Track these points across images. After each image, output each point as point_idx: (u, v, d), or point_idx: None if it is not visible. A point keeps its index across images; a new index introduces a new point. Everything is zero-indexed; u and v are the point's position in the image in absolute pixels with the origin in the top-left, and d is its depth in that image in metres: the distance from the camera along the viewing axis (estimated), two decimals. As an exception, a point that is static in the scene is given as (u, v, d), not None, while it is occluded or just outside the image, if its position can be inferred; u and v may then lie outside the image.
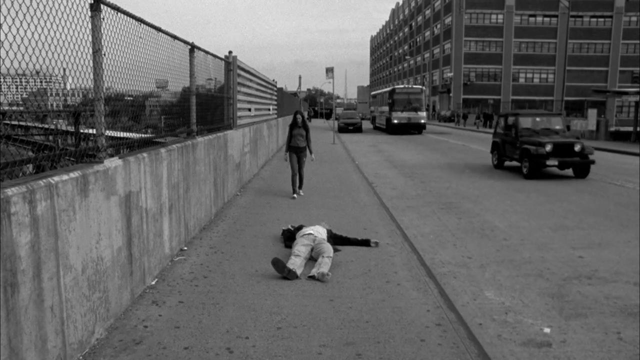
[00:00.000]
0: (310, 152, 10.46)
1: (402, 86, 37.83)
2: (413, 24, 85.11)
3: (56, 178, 3.30)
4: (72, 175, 3.50)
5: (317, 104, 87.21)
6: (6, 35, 2.88)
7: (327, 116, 61.88)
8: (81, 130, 5.31)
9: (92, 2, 3.95)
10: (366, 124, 50.21)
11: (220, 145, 8.66)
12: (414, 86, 38.01)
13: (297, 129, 10.11)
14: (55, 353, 3.24)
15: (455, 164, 17.09)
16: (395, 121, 34.56)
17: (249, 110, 12.52)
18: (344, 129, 38.66)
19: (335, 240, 6.46)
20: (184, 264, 5.72)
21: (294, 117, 10.19)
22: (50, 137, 8.22)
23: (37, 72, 4.29)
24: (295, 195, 10.04)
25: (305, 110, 56.03)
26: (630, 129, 26.85)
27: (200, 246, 6.48)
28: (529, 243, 6.94)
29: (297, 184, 10.27)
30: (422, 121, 35.24)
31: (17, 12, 2.97)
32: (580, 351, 3.82)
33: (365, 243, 6.55)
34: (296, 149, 10.18)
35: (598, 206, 9.58)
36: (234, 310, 4.45)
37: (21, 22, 3.00)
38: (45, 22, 3.29)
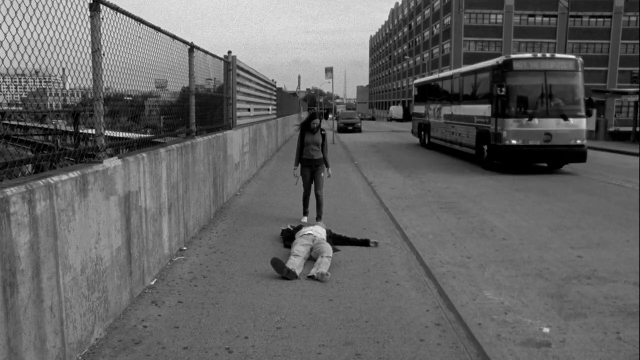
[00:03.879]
0: (327, 166, 7.95)
1: (527, 56, 14.96)
2: (412, 24, 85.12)
3: (56, 178, 3.30)
4: (71, 175, 3.50)
5: (316, 104, 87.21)
6: (5, 35, 2.88)
7: (326, 116, 61.50)
8: (80, 131, 5.32)
9: (92, 2, 3.95)
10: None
11: (219, 145, 8.66)
12: (558, 56, 14.92)
13: (311, 136, 7.75)
14: (55, 353, 3.23)
15: None
16: (514, 141, 14.01)
17: (249, 110, 12.53)
18: (343, 129, 38.67)
19: (335, 240, 6.46)
20: (184, 264, 5.72)
21: (309, 120, 7.78)
22: (50, 138, 8.23)
23: (37, 72, 4.29)
24: (306, 219, 7.86)
25: (304, 110, 55.83)
26: (630, 129, 26.89)
27: (200, 246, 6.48)
28: (529, 243, 6.94)
29: (309, 205, 8.06)
30: (579, 142, 14.20)
31: (16, 12, 2.97)
32: (579, 351, 3.82)
33: (365, 243, 6.55)
34: (309, 162, 7.80)
35: (597, 206, 9.58)
36: (233, 311, 4.45)
37: (20, 22, 3.00)
38: (44, 22, 3.29)
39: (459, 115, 17.98)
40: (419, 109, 24.65)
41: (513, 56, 14.54)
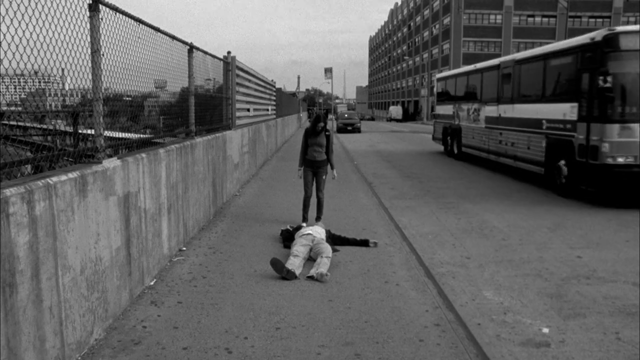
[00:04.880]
0: (332, 167, 7.79)
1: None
2: (412, 24, 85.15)
3: (55, 178, 3.30)
4: (70, 175, 3.50)
5: (315, 104, 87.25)
6: (4, 35, 2.88)
7: (326, 116, 61.41)
8: (80, 131, 5.32)
9: (91, 2, 3.95)
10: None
11: (218, 145, 8.66)
12: None
13: (314, 137, 7.55)
14: (54, 353, 3.23)
15: None
16: (620, 159, 9.06)
17: (248, 110, 12.53)
18: (342, 129, 38.71)
19: (334, 240, 6.46)
20: (183, 264, 5.72)
21: (315, 123, 7.59)
22: (49, 138, 8.22)
23: (36, 72, 4.29)
24: (304, 224, 7.36)
25: (303, 110, 55.81)
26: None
27: (199, 246, 6.47)
28: (528, 243, 6.94)
29: (309, 210, 7.74)
30: None
31: (15, 12, 2.97)
32: (578, 351, 3.82)
33: (364, 243, 6.55)
34: (312, 164, 7.62)
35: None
36: (232, 311, 4.45)
37: (19, 22, 3.00)
38: (43, 22, 3.29)
39: (513, 118, 13.11)
40: (444, 109, 19.56)
41: (619, 29, 9.45)
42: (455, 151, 18.15)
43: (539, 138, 11.56)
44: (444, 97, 20.07)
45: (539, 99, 11.79)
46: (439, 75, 21.46)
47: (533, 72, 12.25)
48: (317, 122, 7.56)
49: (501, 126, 13.90)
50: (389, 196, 10.53)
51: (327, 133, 7.63)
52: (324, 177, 7.71)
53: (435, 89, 21.64)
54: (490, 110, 14.76)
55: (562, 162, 10.48)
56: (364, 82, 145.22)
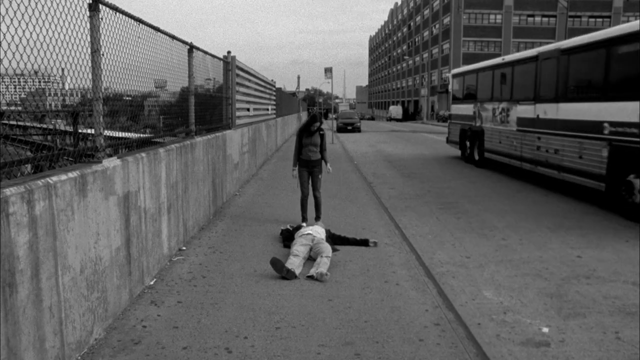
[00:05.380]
0: (326, 162, 7.81)
1: None
2: (412, 24, 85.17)
3: (54, 178, 3.30)
4: (70, 175, 3.50)
5: (315, 104, 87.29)
6: (4, 35, 2.88)
7: (326, 115, 61.32)
8: (79, 130, 5.32)
9: (91, 2, 3.95)
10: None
11: (218, 145, 8.66)
12: None
13: (309, 137, 7.57)
14: (54, 353, 3.23)
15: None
16: None
17: (248, 110, 12.53)
18: (342, 129, 38.72)
19: (334, 240, 6.47)
20: (183, 264, 5.72)
21: (310, 122, 7.61)
22: (49, 137, 8.22)
23: (36, 72, 4.29)
24: (304, 224, 7.34)
25: (303, 110, 55.79)
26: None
27: (199, 246, 6.48)
28: (528, 243, 6.94)
29: (308, 210, 7.73)
30: None
31: (15, 12, 2.97)
32: (578, 351, 3.82)
33: (364, 243, 6.55)
34: (307, 163, 7.62)
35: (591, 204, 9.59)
36: (232, 310, 4.45)
37: (19, 21, 3.00)
38: (43, 22, 3.29)
39: (557, 120, 10.67)
40: (462, 108, 17.13)
41: None
42: (476, 157, 15.78)
43: (597, 145, 9.10)
44: (461, 95, 17.52)
45: (599, 96, 9.25)
46: (455, 71, 18.91)
47: (589, 62, 9.75)
48: (313, 121, 7.54)
49: (540, 129, 11.47)
50: (388, 196, 10.54)
51: (321, 132, 7.64)
52: (319, 176, 7.69)
53: (450, 86, 18.92)
54: (524, 110, 12.39)
55: (633, 177, 8.27)
56: (364, 82, 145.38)
